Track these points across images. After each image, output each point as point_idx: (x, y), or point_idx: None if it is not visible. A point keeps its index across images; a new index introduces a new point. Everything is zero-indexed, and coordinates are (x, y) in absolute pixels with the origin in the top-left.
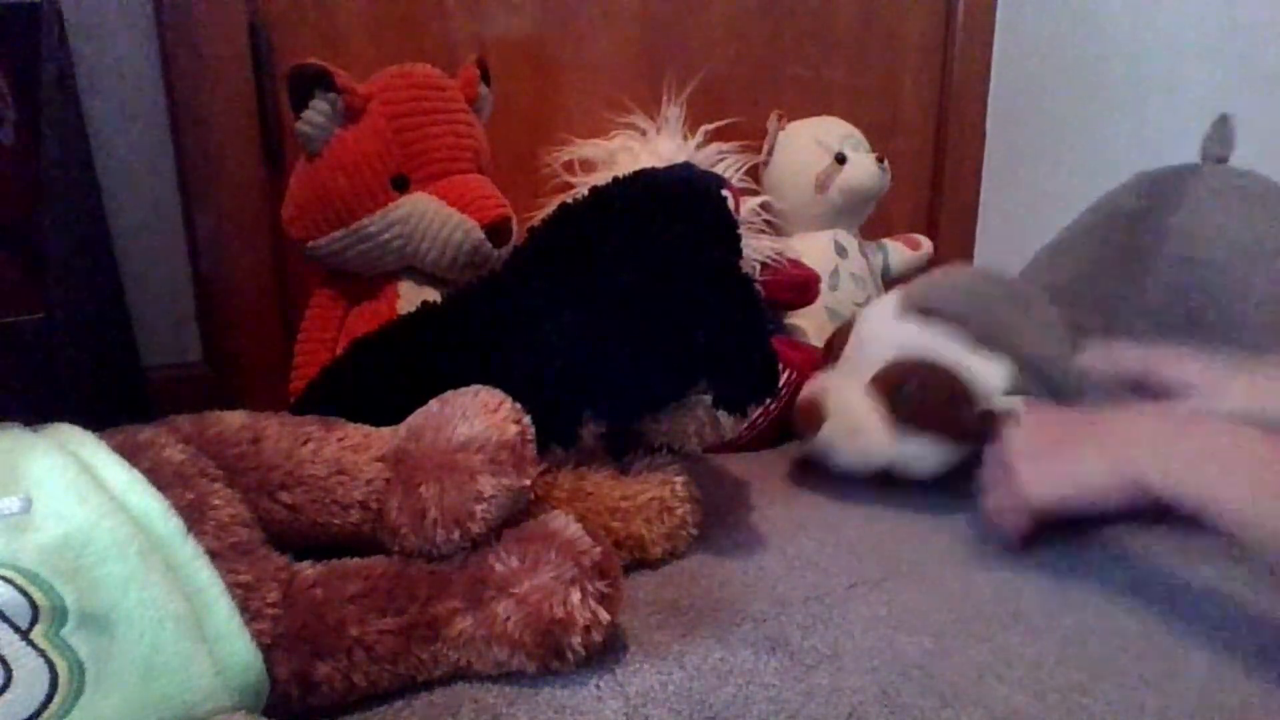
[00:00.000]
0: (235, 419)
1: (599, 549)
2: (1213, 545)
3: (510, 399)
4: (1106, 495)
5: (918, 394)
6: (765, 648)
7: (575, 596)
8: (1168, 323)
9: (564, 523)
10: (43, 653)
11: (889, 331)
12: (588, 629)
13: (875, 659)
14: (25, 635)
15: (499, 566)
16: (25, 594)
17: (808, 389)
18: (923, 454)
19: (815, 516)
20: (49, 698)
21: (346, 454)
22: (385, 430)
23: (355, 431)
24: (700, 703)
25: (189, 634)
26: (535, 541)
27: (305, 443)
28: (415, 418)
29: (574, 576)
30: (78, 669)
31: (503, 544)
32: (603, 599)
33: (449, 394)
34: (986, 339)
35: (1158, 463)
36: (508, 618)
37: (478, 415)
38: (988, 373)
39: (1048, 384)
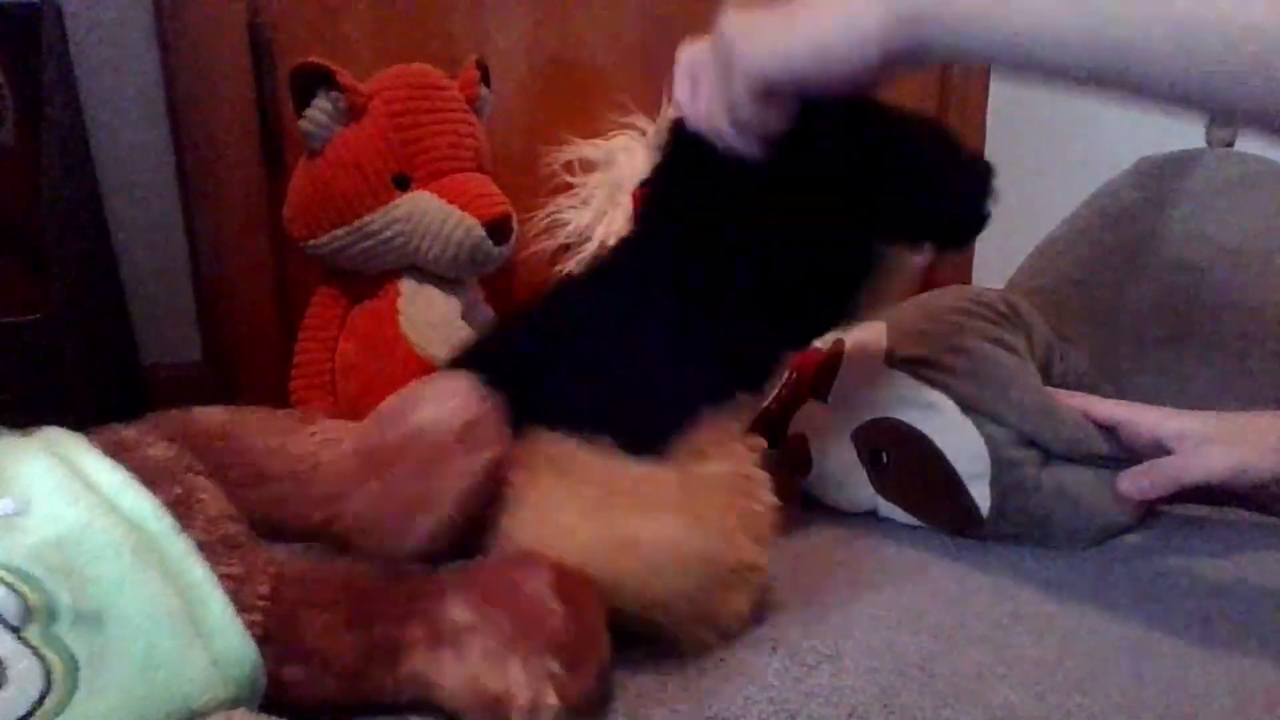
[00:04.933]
0: (216, 415)
1: (560, 616)
2: (1212, 545)
3: (472, 379)
4: (860, 51)
5: (897, 468)
6: (765, 648)
7: (517, 673)
8: (1156, 331)
9: (534, 578)
10: (36, 650)
11: (877, 379)
12: (533, 709)
13: (875, 659)
14: (18, 633)
15: (454, 613)
16: (17, 592)
17: (795, 424)
18: (905, 516)
19: (814, 516)
20: (43, 695)
21: (323, 449)
22: (356, 425)
23: (330, 426)
24: (700, 703)
25: (184, 629)
26: (494, 596)
27: (281, 437)
28: (380, 410)
29: (517, 647)
30: (72, 666)
31: (467, 585)
32: (553, 678)
33: (410, 385)
34: (975, 401)
35: None
36: (452, 675)
37: (442, 399)
38: (972, 452)
39: (1038, 445)
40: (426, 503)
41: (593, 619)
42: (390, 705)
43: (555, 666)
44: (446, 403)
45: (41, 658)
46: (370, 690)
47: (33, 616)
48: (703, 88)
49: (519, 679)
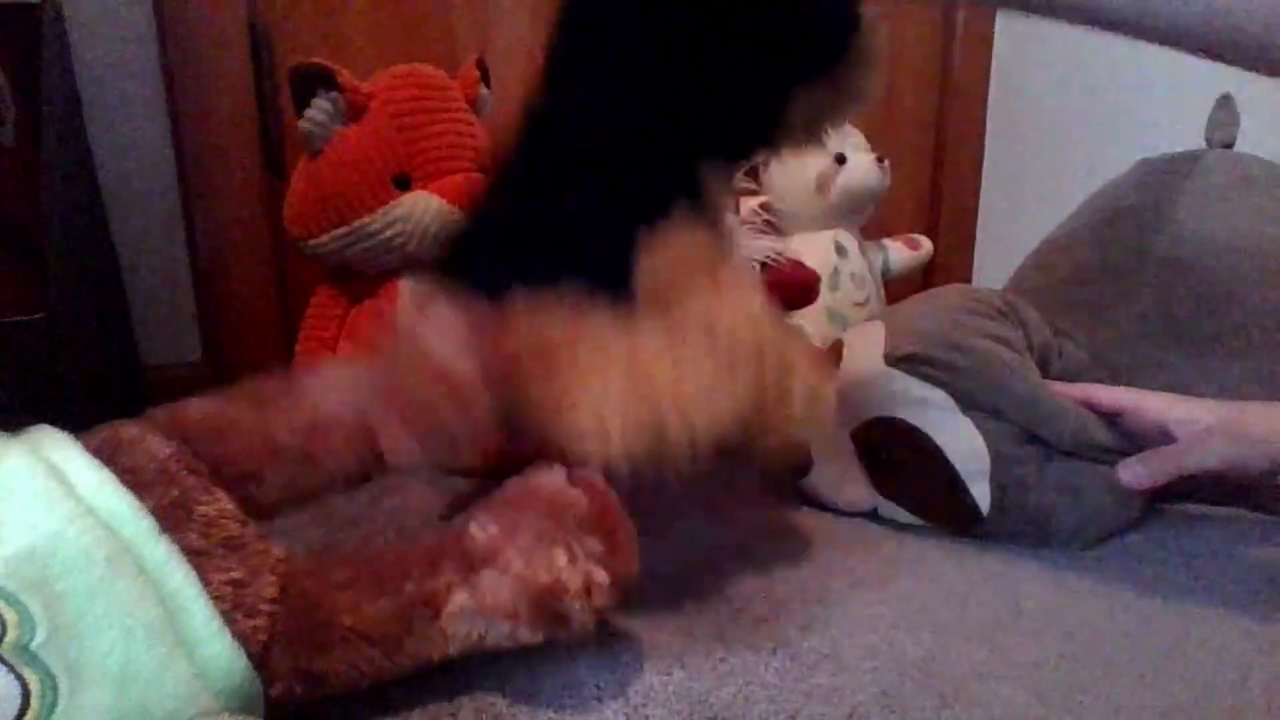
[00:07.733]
0: (206, 406)
1: (585, 500)
2: (1212, 545)
3: (453, 301)
4: None
5: (896, 467)
6: (765, 648)
7: (561, 559)
8: (1156, 331)
9: (546, 477)
10: (12, 668)
11: (875, 378)
12: (587, 591)
13: (875, 659)
14: None
15: (479, 535)
16: None
17: None
18: (905, 515)
19: (814, 515)
20: (21, 713)
21: (321, 407)
22: (343, 371)
23: (318, 385)
24: (700, 703)
25: (163, 640)
26: (513, 504)
27: (273, 413)
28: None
29: (555, 536)
30: (50, 683)
31: (483, 509)
32: (597, 557)
33: (408, 328)
34: (974, 398)
35: None
36: (498, 590)
37: (447, 336)
38: (972, 449)
39: (1039, 441)
40: (455, 447)
41: (613, 502)
42: (443, 665)
43: (595, 545)
44: (446, 342)
45: (18, 676)
46: (420, 651)
47: (8, 633)
48: None
49: (564, 565)
